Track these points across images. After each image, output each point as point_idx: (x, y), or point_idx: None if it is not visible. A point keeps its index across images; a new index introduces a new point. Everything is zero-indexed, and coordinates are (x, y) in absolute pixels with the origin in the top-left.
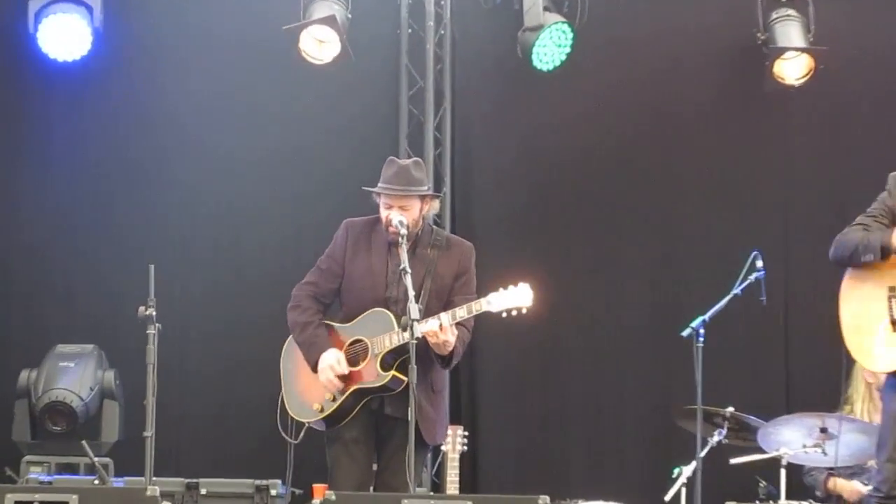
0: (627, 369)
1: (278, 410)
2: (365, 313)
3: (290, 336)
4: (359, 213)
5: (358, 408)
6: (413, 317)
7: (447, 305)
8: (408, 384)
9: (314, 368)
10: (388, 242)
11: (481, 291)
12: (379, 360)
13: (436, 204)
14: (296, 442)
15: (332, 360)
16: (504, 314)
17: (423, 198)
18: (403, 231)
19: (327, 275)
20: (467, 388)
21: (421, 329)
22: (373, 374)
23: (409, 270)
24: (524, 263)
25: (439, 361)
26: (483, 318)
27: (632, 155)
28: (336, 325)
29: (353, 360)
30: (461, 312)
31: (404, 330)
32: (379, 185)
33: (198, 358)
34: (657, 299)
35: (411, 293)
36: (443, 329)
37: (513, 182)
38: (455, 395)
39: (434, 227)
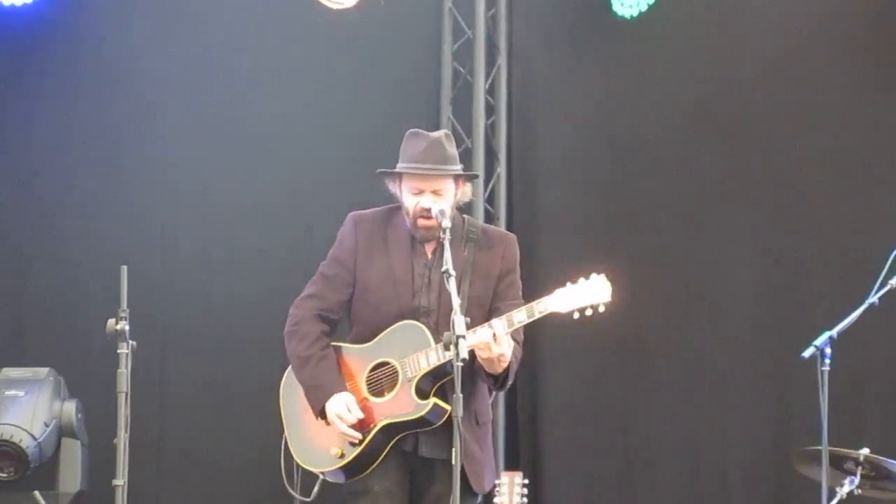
0: (731, 401)
1: (282, 457)
2: (390, 328)
3: (287, 371)
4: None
5: (387, 449)
6: (459, 331)
7: (490, 315)
8: (450, 416)
9: (319, 415)
10: (411, 239)
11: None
12: (414, 386)
13: (468, 188)
14: (308, 501)
15: (341, 409)
16: (576, 314)
17: (456, 180)
18: (447, 223)
19: (335, 284)
20: (528, 426)
21: (468, 342)
22: (407, 404)
23: (452, 273)
24: (597, 265)
25: (491, 383)
26: (545, 335)
27: (735, 127)
28: (351, 345)
29: (377, 389)
30: (519, 316)
31: (447, 348)
32: (402, 164)
33: (181, 385)
34: (768, 311)
35: (456, 301)
36: (497, 339)
37: (585, 160)
38: (512, 433)
39: (465, 216)
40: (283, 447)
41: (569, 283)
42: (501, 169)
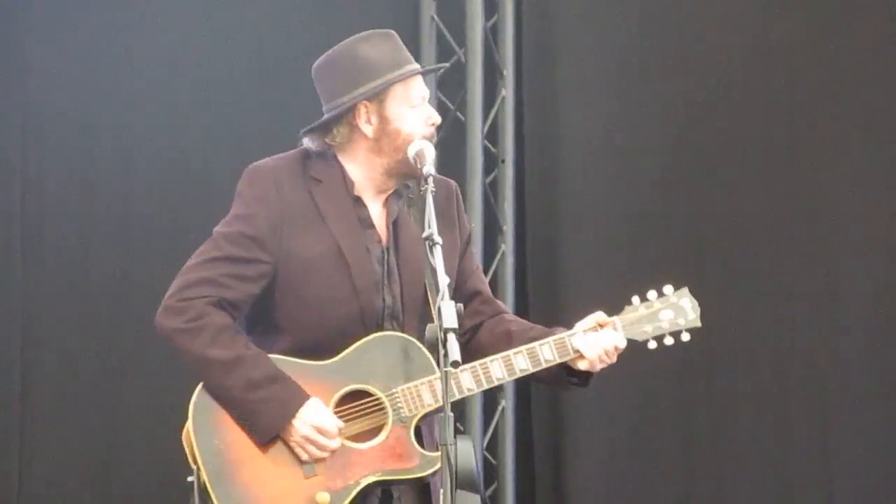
0: (836, 436)
1: None
2: (363, 343)
3: (199, 387)
4: None
5: None
6: (448, 323)
7: (467, 301)
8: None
9: (266, 438)
10: (353, 201)
11: (573, 315)
12: (412, 430)
13: None
14: None
15: (321, 421)
16: (652, 343)
17: None
18: (430, 167)
19: (246, 270)
20: (550, 478)
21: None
22: (408, 456)
23: (438, 240)
24: (644, 273)
25: (576, 382)
26: None
27: (829, 87)
28: (296, 360)
29: (352, 429)
30: (573, 341)
31: (432, 347)
32: (388, 75)
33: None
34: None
35: (443, 280)
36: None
37: (626, 80)
38: (525, 485)
39: None
40: None
41: (636, 300)
42: (507, 91)
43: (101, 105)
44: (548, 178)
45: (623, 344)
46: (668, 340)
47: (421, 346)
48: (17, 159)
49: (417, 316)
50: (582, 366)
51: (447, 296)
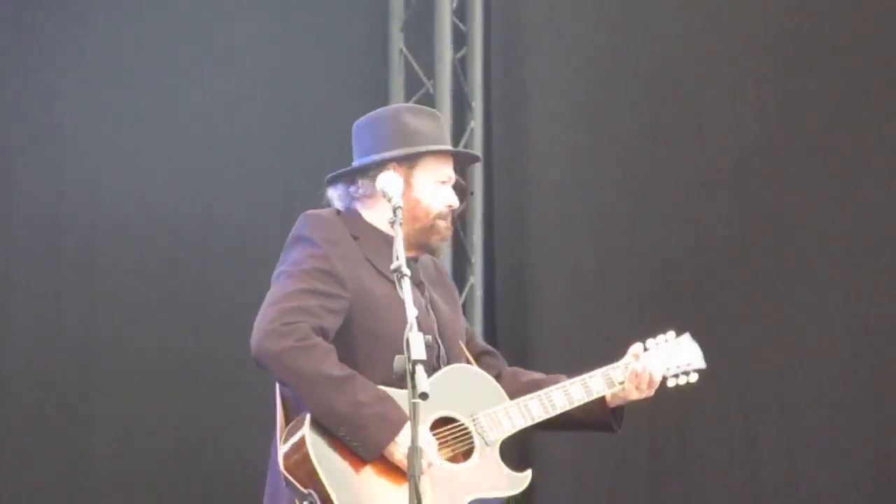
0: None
1: None
2: (442, 371)
3: (309, 412)
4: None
5: None
6: (416, 354)
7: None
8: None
9: (374, 454)
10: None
11: (540, 346)
12: (498, 451)
13: None
14: None
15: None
16: (672, 381)
17: None
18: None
19: (331, 301)
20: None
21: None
22: (498, 476)
23: (406, 272)
24: (613, 305)
25: (614, 422)
26: None
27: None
28: (391, 389)
29: (449, 453)
30: (616, 374)
31: (401, 377)
32: (427, 146)
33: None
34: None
35: (412, 312)
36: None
37: (597, 108)
38: None
39: None
40: None
41: (650, 342)
42: (476, 123)
43: (68, 142)
44: (517, 210)
45: (660, 372)
46: (682, 380)
47: (488, 376)
48: None
49: (456, 360)
50: (618, 394)
51: (416, 327)
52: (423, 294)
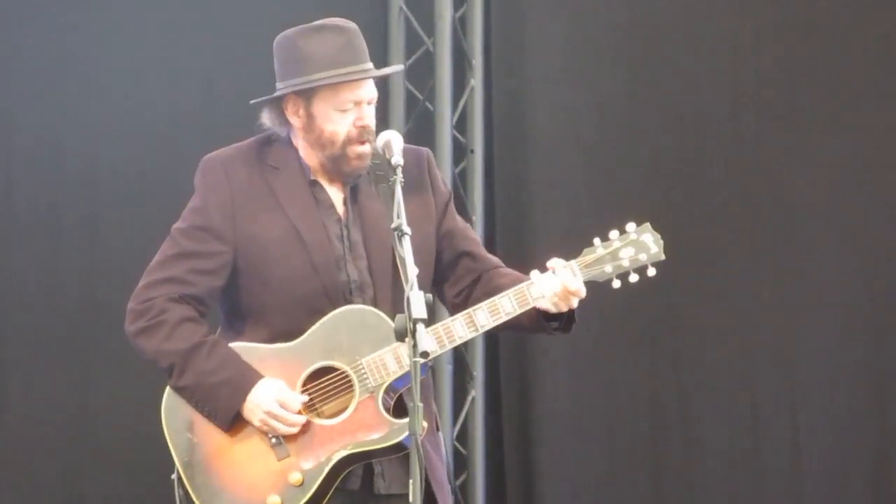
0: (807, 417)
1: None
2: (326, 318)
3: (169, 384)
4: None
5: (331, 491)
6: (417, 313)
7: (456, 260)
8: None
9: (230, 425)
10: (308, 184)
11: None
12: (380, 399)
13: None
14: None
15: (280, 396)
16: (617, 282)
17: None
18: (398, 158)
19: (204, 262)
20: (517, 439)
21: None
22: (377, 425)
23: (407, 231)
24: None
25: (556, 325)
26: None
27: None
28: (261, 346)
29: (323, 407)
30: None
31: (401, 337)
32: (321, 73)
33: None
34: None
35: (412, 270)
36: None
37: (596, 67)
38: (494, 449)
39: None
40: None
41: (597, 241)
42: (476, 81)
43: (69, 122)
44: (517, 167)
45: (575, 285)
46: (633, 278)
47: (383, 314)
48: None
49: (390, 287)
50: (543, 305)
51: (416, 286)
52: (345, 215)
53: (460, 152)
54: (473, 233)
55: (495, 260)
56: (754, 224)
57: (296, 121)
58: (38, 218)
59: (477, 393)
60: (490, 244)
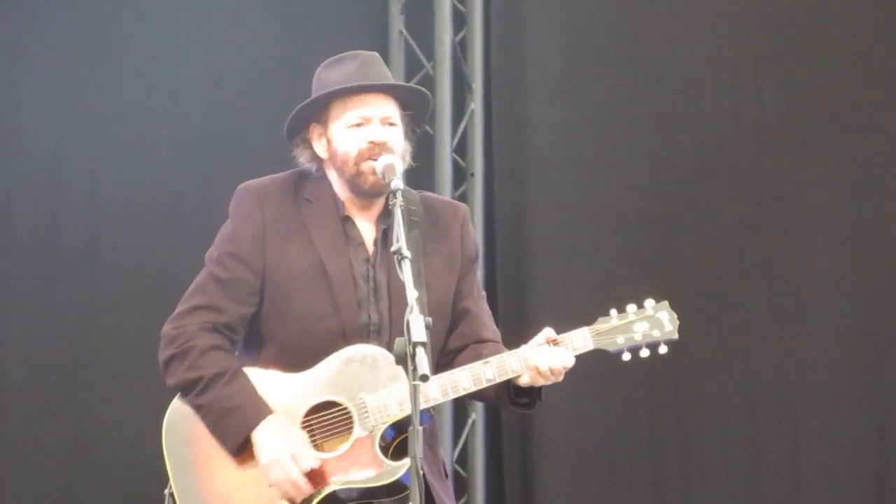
0: (807, 440)
1: None
2: (336, 355)
3: (175, 400)
4: None
5: None
6: (416, 337)
7: (456, 322)
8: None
9: (237, 451)
10: (341, 220)
11: (539, 327)
12: (377, 439)
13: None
14: None
15: (293, 448)
16: (627, 355)
17: (404, 114)
18: (397, 182)
19: (235, 290)
20: (518, 470)
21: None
22: (370, 464)
23: (407, 254)
24: (612, 286)
25: (525, 402)
26: None
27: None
28: (273, 372)
29: (321, 440)
30: (579, 341)
31: (400, 361)
32: (328, 90)
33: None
34: (864, 322)
35: (412, 294)
36: (555, 342)
37: (594, 91)
38: (494, 479)
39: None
40: None
41: (613, 311)
42: (476, 104)
43: (70, 134)
44: (517, 191)
45: (570, 362)
46: (644, 353)
47: (391, 357)
48: None
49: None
50: (523, 381)
51: (416, 309)
52: (373, 254)
53: (460, 176)
54: (485, 302)
55: (488, 332)
56: (754, 245)
57: (321, 150)
58: (39, 240)
59: (477, 415)
60: (490, 267)
